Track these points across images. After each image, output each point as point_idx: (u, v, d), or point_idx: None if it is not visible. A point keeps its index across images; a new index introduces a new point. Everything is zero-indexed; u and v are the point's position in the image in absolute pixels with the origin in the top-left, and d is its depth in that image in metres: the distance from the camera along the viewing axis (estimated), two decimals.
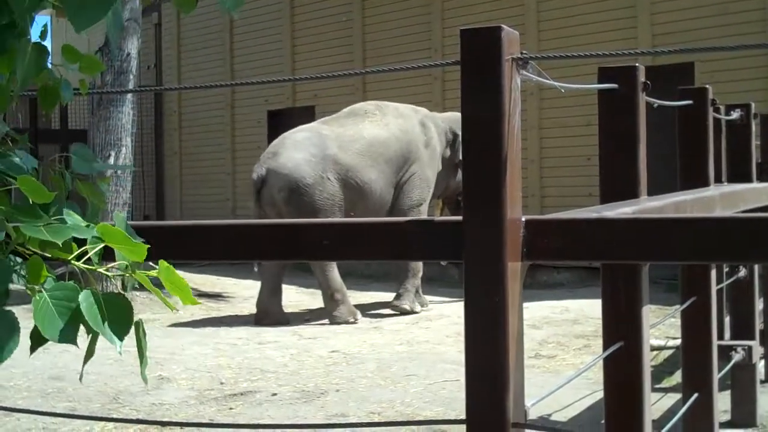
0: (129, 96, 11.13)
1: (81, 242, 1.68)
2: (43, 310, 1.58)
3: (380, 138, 9.86)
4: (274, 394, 6.24)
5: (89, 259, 1.66)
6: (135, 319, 1.65)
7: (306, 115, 15.47)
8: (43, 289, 1.60)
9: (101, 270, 1.69)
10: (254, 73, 16.03)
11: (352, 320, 9.35)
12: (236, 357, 7.54)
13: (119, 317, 1.62)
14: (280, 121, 16.15)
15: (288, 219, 9.13)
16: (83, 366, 1.78)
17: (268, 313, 9.58)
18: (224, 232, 2.34)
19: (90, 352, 1.72)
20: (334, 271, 9.54)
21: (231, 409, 5.92)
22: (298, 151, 9.63)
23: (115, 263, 1.70)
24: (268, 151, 9.90)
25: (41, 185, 1.65)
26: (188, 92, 17.59)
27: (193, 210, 17.27)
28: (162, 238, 2.16)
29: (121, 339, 1.62)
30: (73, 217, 1.72)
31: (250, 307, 10.51)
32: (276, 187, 9.51)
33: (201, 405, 6.04)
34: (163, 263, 1.67)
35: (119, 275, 1.70)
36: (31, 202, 1.67)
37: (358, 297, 11.01)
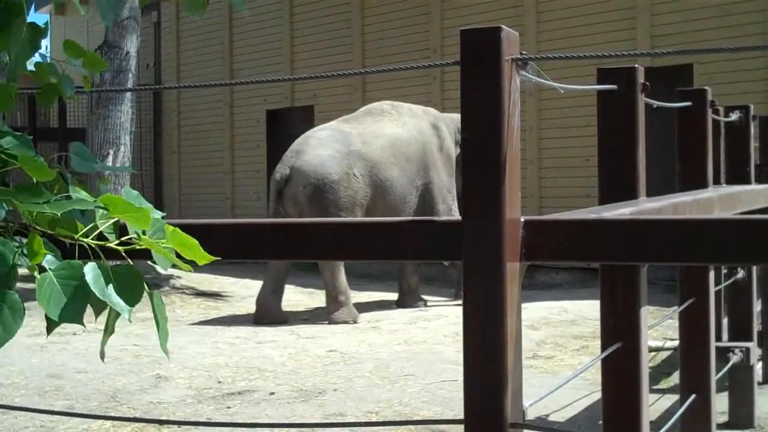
0: (128, 95, 11.13)
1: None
2: (48, 289, 1.56)
3: (401, 136, 9.88)
4: (272, 394, 6.24)
5: (103, 238, 1.65)
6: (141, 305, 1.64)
7: (305, 114, 15.50)
8: (49, 269, 1.59)
9: (111, 245, 1.67)
10: (253, 73, 16.04)
11: (351, 322, 9.36)
12: (234, 356, 7.54)
13: (128, 285, 1.60)
14: (279, 121, 16.16)
15: (306, 217, 9.23)
16: (102, 345, 1.76)
17: (269, 312, 9.57)
18: (223, 231, 2.34)
19: (109, 330, 1.71)
20: (341, 272, 9.56)
21: (229, 408, 5.92)
22: (323, 148, 9.63)
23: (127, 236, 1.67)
24: (291, 150, 9.85)
25: (43, 163, 1.64)
26: (187, 91, 17.58)
27: (192, 209, 17.27)
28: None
29: (131, 305, 1.60)
30: (79, 193, 1.71)
31: (248, 306, 10.51)
32: (300, 185, 9.47)
33: (199, 404, 6.04)
34: (168, 227, 1.66)
35: (129, 248, 1.68)
36: (34, 182, 1.66)
37: (356, 296, 11.01)
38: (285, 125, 16.12)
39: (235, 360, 7.38)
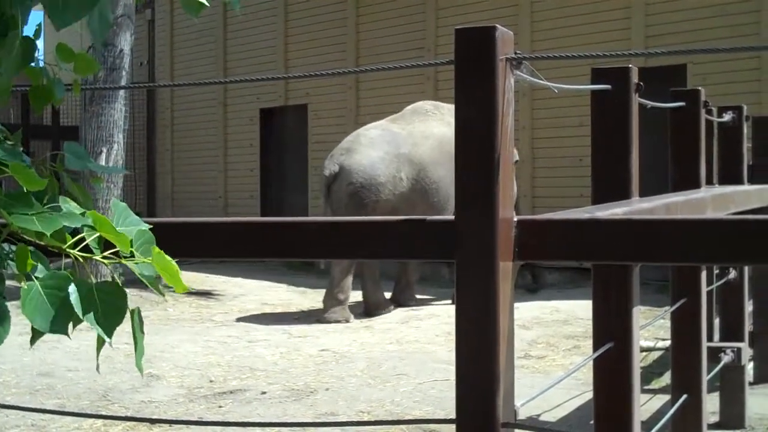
0: (121, 92, 11.11)
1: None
2: (33, 300, 1.55)
3: (448, 136, 9.89)
4: (264, 393, 6.23)
5: (89, 248, 1.64)
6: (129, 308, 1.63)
7: (298, 113, 15.48)
8: (34, 278, 1.58)
9: (97, 258, 1.67)
10: (247, 71, 16.02)
11: (343, 322, 9.36)
12: (226, 355, 7.54)
13: (111, 305, 1.60)
14: (272, 119, 16.15)
15: (341, 213, 9.31)
16: (97, 356, 1.76)
17: (380, 304, 9.82)
18: (215, 230, 2.34)
19: (100, 340, 1.70)
20: (351, 273, 9.60)
21: (220, 407, 5.92)
22: (374, 149, 9.72)
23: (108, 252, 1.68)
24: (342, 148, 9.95)
25: (34, 172, 1.63)
26: (181, 89, 17.55)
27: (185, 207, 17.25)
28: (153, 235, 2.16)
29: (109, 334, 1.60)
30: (69, 205, 1.71)
31: (240, 305, 10.50)
32: (347, 182, 9.59)
33: (190, 403, 6.03)
34: (155, 248, 1.66)
35: (114, 262, 1.68)
36: (25, 191, 1.65)
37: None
38: (278, 124, 16.11)
39: (226, 359, 7.37)
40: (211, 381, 6.61)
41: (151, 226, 1.71)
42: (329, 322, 9.32)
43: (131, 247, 1.64)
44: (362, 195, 9.52)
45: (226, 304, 10.71)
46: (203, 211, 16.50)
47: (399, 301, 10.25)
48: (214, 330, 8.89)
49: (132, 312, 1.67)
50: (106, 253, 1.67)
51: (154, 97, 18.31)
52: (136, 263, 1.65)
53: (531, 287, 11.21)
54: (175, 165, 17.87)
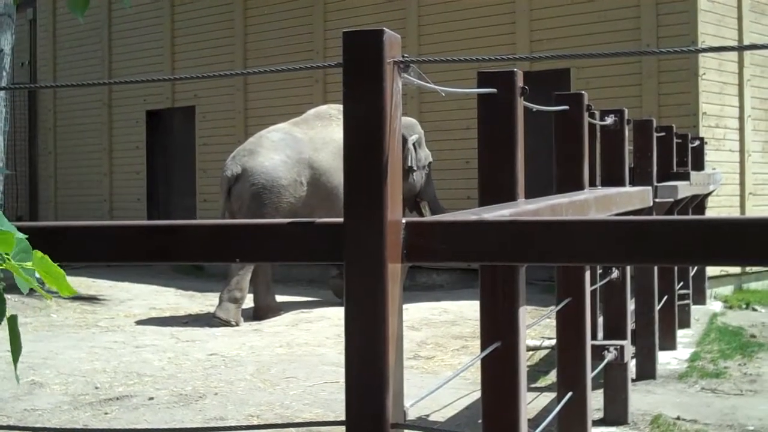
0: (1, 93, 10.79)
1: None
2: None
3: None
4: (151, 399, 6.14)
5: None
6: (8, 314, 1.59)
7: (186, 115, 15.31)
8: None
9: None
10: (133, 72, 15.77)
11: (234, 324, 9.27)
12: (112, 361, 7.40)
13: None
14: (159, 121, 15.93)
15: (243, 214, 9.27)
16: None
17: (270, 308, 9.79)
18: (100, 234, 2.29)
19: None
20: (250, 274, 9.56)
21: (106, 414, 5.81)
22: (276, 152, 9.74)
23: None
24: (244, 149, 9.92)
25: None
26: (64, 91, 17.19)
27: (69, 211, 16.89)
28: (35, 239, 2.10)
29: None
30: None
31: (126, 310, 10.33)
32: (249, 183, 9.58)
33: (75, 410, 5.90)
34: (37, 253, 1.62)
35: None
36: None
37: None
38: (165, 126, 15.91)
39: (112, 365, 7.24)
40: (96, 387, 6.48)
41: (36, 233, 1.67)
42: (221, 319, 9.22)
43: (11, 250, 1.59)
44: (264, 197, 9.54)
45: (113, 309, 10.51)
46: (88, 216, 16.18)
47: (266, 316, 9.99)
48: (99, 336, 8.72)
49: (10, 319, 1.62)
50: None
51: (35, 98, 17.90)
52: (20, 266, 1.61)
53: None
54: (58, 168, 17.50)
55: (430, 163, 10.74)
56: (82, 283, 11.73)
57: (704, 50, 2.77)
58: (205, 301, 10.90)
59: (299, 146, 9.85)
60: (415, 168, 10.28)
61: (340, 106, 11.01)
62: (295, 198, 9.66)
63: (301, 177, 9.71)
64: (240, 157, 9.80)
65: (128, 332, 8.93)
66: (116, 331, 9.03)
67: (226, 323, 9.24)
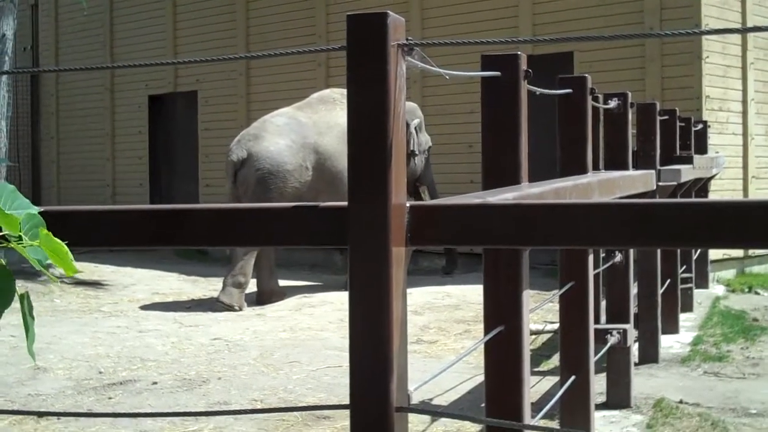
0: (4, 78, 10.80)
1: None
2: None
3: None
4: (155, 383, 6.15)
5: None
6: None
7: (188, 100, 15.29)
8: None
9: None
10: (135, 57, 15.74)
11: (237, 308, 9.29)
12: (115, 346, 7.41)
13: None
14: (161, 106, 15.91)
15: (249, 198, 9.32)
16: None
17: (273, 293, 9.78)
18: (104, 218, 2.29)
19: None
20: (254, 258, 9.58)
21: (110, 398, 5.82)
22: (281, 137, 9.76)
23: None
24: (249, 134, 9.93)
25: None
26: (66, 75, 17.17)
27: (71, 196, 16.90)
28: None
29: None
30: None
31: (130, 295, 10.34)
32: (254, 168, 9.62)
33: (79, 395, 5.92)
34: (42, 230, 1.61)
35: (1, 246, 1.62)
36: None
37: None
38: (167, 111, 15.89)
39: (116, 350, 7.25)
40: (100, 372, 6.49)
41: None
42: (224, 304, 9.23)
43: (20, 229, 1.59)
44: (269, 182, 9.57)
45: (116, 294, 10.53)
46: (90, 200, 16.18)
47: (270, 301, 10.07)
48: (102, 321, 8.73)
49: (21, 297, 1.62)
50: None
51: (38, 83, 17.88)
52: (25, 247, 1.60)
53: (446, 269, 11.35)
54: (60, 153, 17.49)
55: (429, 147, 10.78)
56: (84, 269, 11.74)
57: (707, 32, 2.78)
58: (209, 286, 10.91)
59: (304, 131, 9.86)
60: (417, 152, 10.29)
61: (343, 90, 11.07)
62: (300, 183, 9.67)
63: (306, 162, 9.73)
64: (245, 141, 9.80)
65: (131, 317, 8.94)
66: (119, 316, 9.05)
67: (230, 308, 9.25)
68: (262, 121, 10.08)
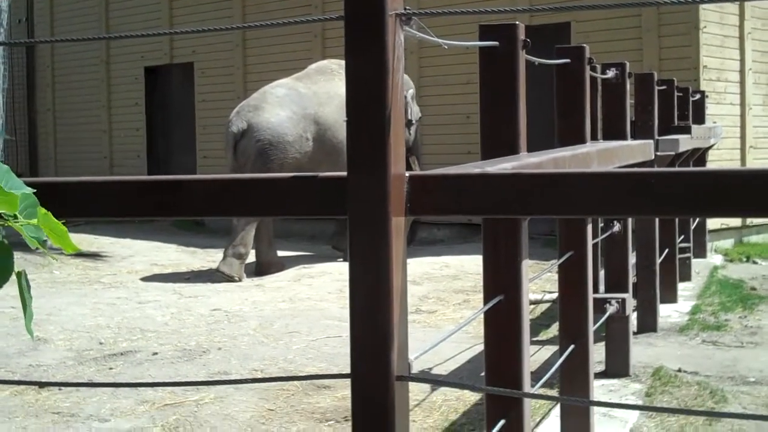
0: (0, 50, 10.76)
1: None
2: None
3: None
4: (155, 354, 6.18)
5: None
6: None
7: (184, 71, 15.24)
8: None
9: None
10: (131, 28, 15.67)
11: (237, 279, 9.31)
12: (115, 317, 7.44)
13: None
14: (157, 78, 15.86)
15: (249, 169, 9.34)
16: None
17: (272, 264, 9.81)
18: (103, 189, 2.29)
19: None
20: (254, 228, 9.62)
21: (111, 369, 5.85)
22: (281, 108, 9.78)
23: None
24: (249, 105, 9.93)
25: None
26: (62, 47, 17.10)
27: (68, 168, 16.88)
28: (37, 195, 2.10)
29: None
30: None
31: (129, 266, 10.36)
32: (255, 140, 9.63)
33: (80, 365, 5.94)
34: (41, 209, 1.62)
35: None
36: None
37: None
38: (164, 82, 15.84)
39: (116, 321, 7.28)
40: (100, 343, 6.52)
41: (35, 189, 1.67)
42: (224, 274, 9.26)
43: (19, 207, 1.59)
44: (270, 153, 9.59)
45: (115, 265, 10.54)
46: (88, 173, 16.15)
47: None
48: (102, 292, 8.75)
49: (18, 274, 1.63)
50: None
51: (33, 54, 17.81)
52: (23, 225, 1.60)
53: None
54: (57, 125, 17.46)
55: (420, 118, 10.82)
56: (83, 240, 11.76)
57: (705, 1, 2.76)
58: (207, 257, 10.93)
59: (304, 101, 9.87)
60: (413, 122, 10.30)
61: (341, 61, 11.09)
62: (300, 153, 9.69)
63: (307, 132, 9.74)
64: (245, 112, 9.79)
65: (131, 288, 8.96)
66: (119, 287, 9.07)
67: (230, 278, 9.27)
68: (262, 92, 10.06)
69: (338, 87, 10.02)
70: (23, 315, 1.66)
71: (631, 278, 5.74)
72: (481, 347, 2.88)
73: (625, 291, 5.43)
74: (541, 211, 2.12)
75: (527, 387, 2.76)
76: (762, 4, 11.39)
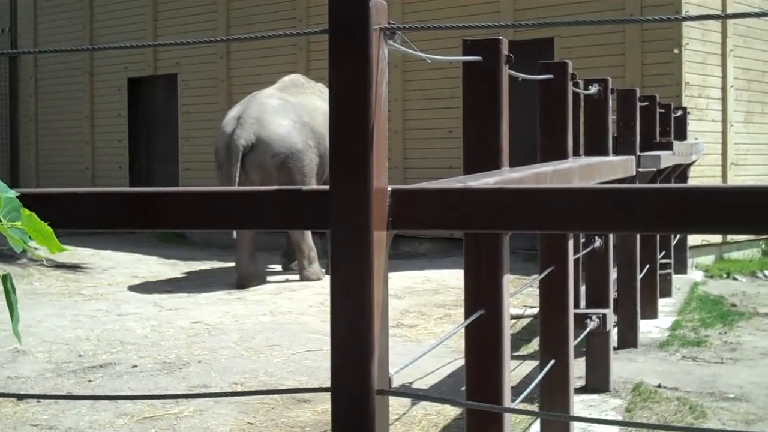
0: None
1: None
2: None
3: (327, 110, 9.95)
4: (135, 366, 6.15)
5: None
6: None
7: (168, 83, 15.22)
8: None
9: None
10: (115, 39, 15.65)
11: (319, 278, 9.77)
12: (95, 329, 7.40)
13: None
14: (141, 89, 15.84)
15: (272, 183, 9.39)
16: None
17: (254, 276, 9.85)
18: (85, 200, 2.28)
19: None
20: (309, 235, 9.89)
21: (90, 381, 5.81)
22: (282, 117, 9.81)
23: None
24: (250, 117, 9.81)
25: None
26: (45, 57, 17.06)
27: (50, 179, 16.81)
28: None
29: None
30: None
31: (109, 278, 10.31)
32: (269, 153, 9.64)
33: (59, 378, 5.91)
34: (25, 211, 1.61)
35: None
36: None
37: (223, 266, 10.93)
38: (147, 94, 15.82)
39: (96, 333, 7.24)
40: (80, 355, 6.48)
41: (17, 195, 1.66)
42: (311, 279, 9.82)
43: (2, 210, 1.58)
44: (290, 165, 9.68)
45: (95, 277, 10.49)
46: (70, 184, 16.10)
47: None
48: (82, 304, 8.71)
49: (4, 278, 1.62)
50: None
51: (16, 65, 17.76)
52: (7, 228, 1.59)
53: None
54: (39, 135, 17.40)
55: None
56: (63, 252, 11.68)
57: (687, 18, 2.79)
58: (188, 270, 10.89)
59: (297, 110, 9.98)
60: None
61: (305, 77, 11.11)
62: (310, 159, 9.84)
63: (309, 140, 9.86)
64: (249, 125, 9.68)
65: (111, 300, 8.92)
66: (99, 299, 9.02)
67: (318, 279, 9.79)
68: (259, 103, 9.93)
69: (314, 100, 10.17)
70: (10, 318, 1.64)
71: (612, 294, 5.75)
72: (462, 362, 2.88)
73: (606, 306, 5.45)
74: (522, 226, 2.13)
75: (508, 402, 2.76)
76: (744, 22, 11.48)
